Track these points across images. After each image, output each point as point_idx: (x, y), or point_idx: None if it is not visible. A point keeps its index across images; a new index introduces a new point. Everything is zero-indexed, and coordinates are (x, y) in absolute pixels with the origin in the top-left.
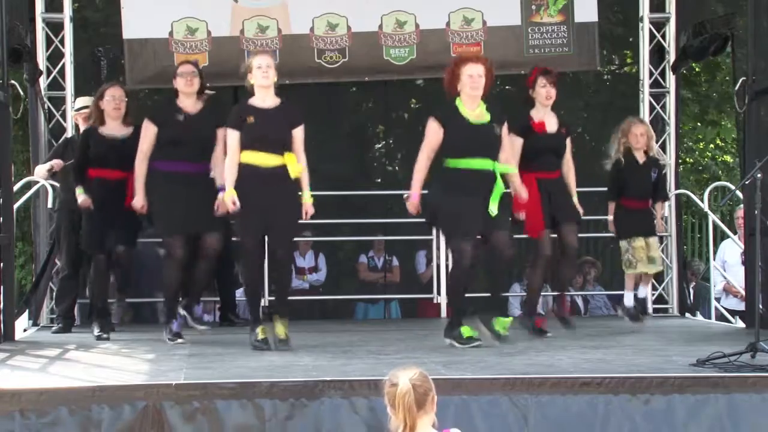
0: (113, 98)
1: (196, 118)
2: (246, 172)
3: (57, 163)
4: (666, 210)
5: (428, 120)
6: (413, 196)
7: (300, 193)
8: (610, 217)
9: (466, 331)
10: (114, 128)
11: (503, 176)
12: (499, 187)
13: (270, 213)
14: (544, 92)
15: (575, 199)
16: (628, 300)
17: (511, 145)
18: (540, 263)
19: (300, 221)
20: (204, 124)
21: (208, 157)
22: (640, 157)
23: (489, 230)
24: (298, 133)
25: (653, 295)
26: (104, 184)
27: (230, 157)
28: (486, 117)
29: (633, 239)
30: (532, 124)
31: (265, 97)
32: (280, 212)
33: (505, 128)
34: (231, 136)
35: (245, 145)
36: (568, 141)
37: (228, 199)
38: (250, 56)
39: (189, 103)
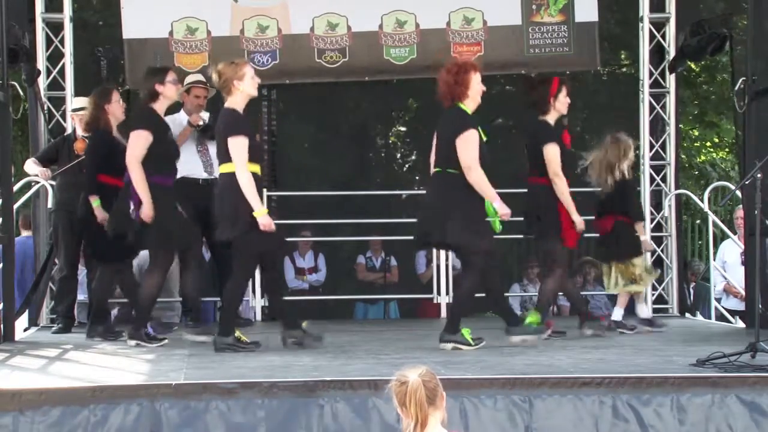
0: (119, 102)
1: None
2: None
3: (43, 172)
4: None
5: (470, 131)
6: (499, 200)
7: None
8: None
9: (467, 333)
10: (116, 134)
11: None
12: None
13: None
14: (567, 102)
15: None
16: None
17: (556, 154)
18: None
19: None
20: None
21: None
22: None
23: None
24: None
25: (653, 295)
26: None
27: (248, 170)
28: None
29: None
30: (562, 136)
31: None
32: None
33: None
34: (245, 146)
35: (251, 157)
36: None
37: (268, 221)
38: (236, 63)
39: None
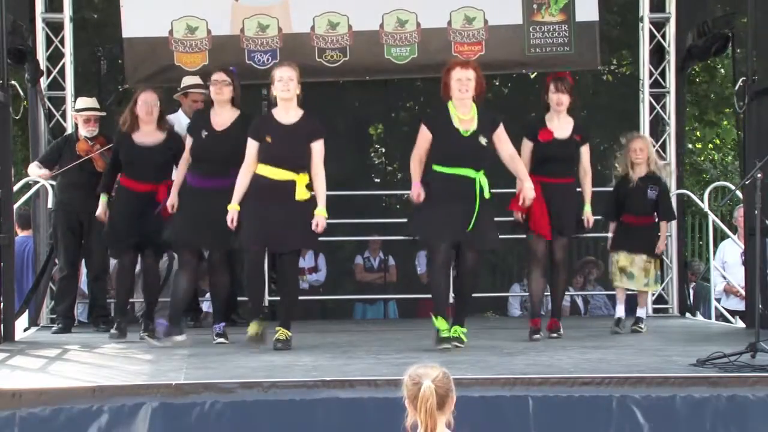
0: (145, 103)
1: (222, 133)
2: (256, 182)
3: (45, 174)
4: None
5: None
6: (414, 186)
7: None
8: (611, 234)
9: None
10: (147, 134)
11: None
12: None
13: (271, 225)
14: (555, 98)
15: (586, 209)
16: (618, 311)
17: (522, 148)
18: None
19: (307, 235)
20: (228, 140)
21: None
22: (640, 173)
23: (465, 245)
24: (316, 147)
25: (653, 295)
26: (131, 195)
27: (245, 168)
28: (474, 125)
29: (617, 253)
30: (539, 132)
31: (288, 110)
32: (280, 225)
33: (501, 130)
34: (250, 146)
35: (261, 159)
36: (583, 148)
37: (229, 216)
38: (275, 67)
39: (219, 113)
